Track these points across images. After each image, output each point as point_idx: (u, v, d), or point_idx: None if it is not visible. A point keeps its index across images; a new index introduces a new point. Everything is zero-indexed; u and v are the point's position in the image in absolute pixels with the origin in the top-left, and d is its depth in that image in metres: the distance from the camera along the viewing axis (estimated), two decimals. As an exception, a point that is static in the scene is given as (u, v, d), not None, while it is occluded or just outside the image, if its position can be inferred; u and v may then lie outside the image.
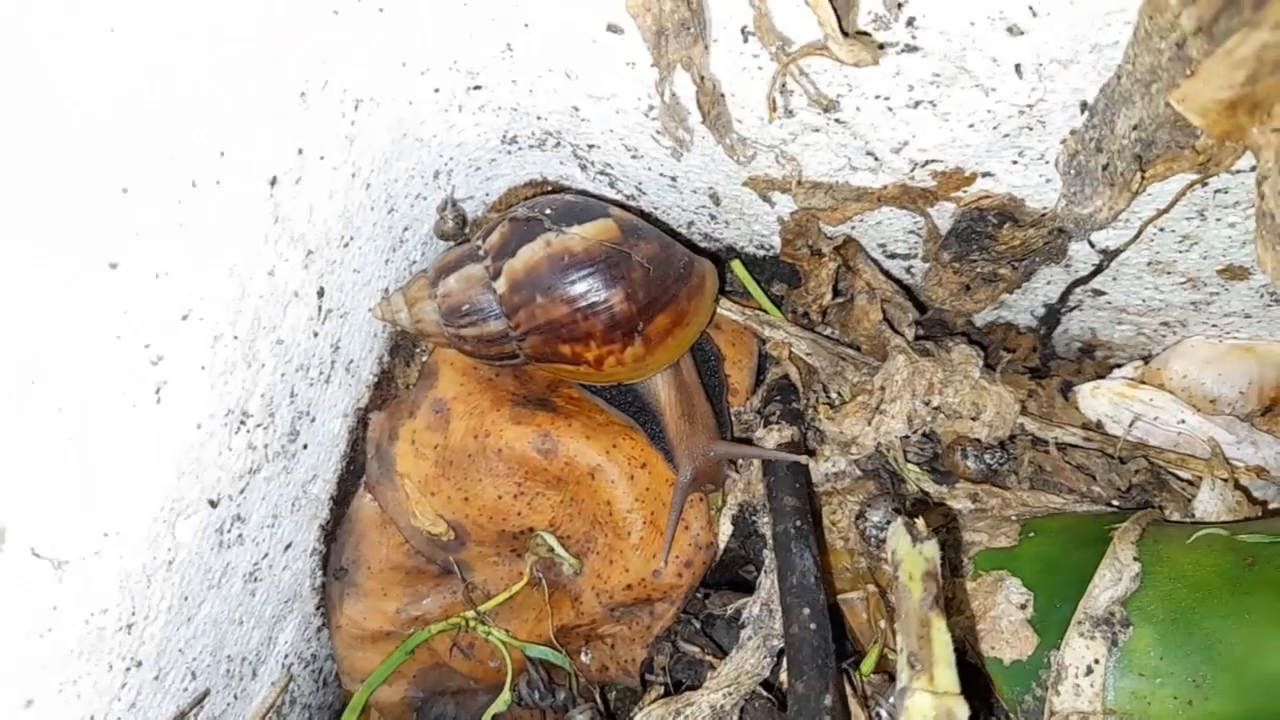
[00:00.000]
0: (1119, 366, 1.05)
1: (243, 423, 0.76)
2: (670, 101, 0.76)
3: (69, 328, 0.57)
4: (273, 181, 0.71)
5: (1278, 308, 0.91)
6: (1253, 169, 0.74)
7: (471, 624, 0.97)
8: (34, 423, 0.57)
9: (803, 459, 0.87)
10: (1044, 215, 0.78)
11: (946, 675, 0.56)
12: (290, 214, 0.74)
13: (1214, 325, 0.96)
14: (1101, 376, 1.03)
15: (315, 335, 0.84)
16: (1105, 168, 0.67)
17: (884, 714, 0.81)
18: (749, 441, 0.94)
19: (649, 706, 0.77)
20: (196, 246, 0.65)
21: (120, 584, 0.67)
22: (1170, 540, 0.81)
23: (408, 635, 1.00)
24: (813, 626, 0.72)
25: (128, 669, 0.71)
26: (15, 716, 0.61)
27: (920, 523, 0.64)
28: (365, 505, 1.00)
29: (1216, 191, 0.78)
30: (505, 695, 0.95)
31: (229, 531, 0.79)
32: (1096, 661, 0.76)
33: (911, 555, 0.62)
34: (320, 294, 0.82)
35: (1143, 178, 0.66)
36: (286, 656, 0.97)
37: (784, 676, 0.80)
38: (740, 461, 0.94)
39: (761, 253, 1.06)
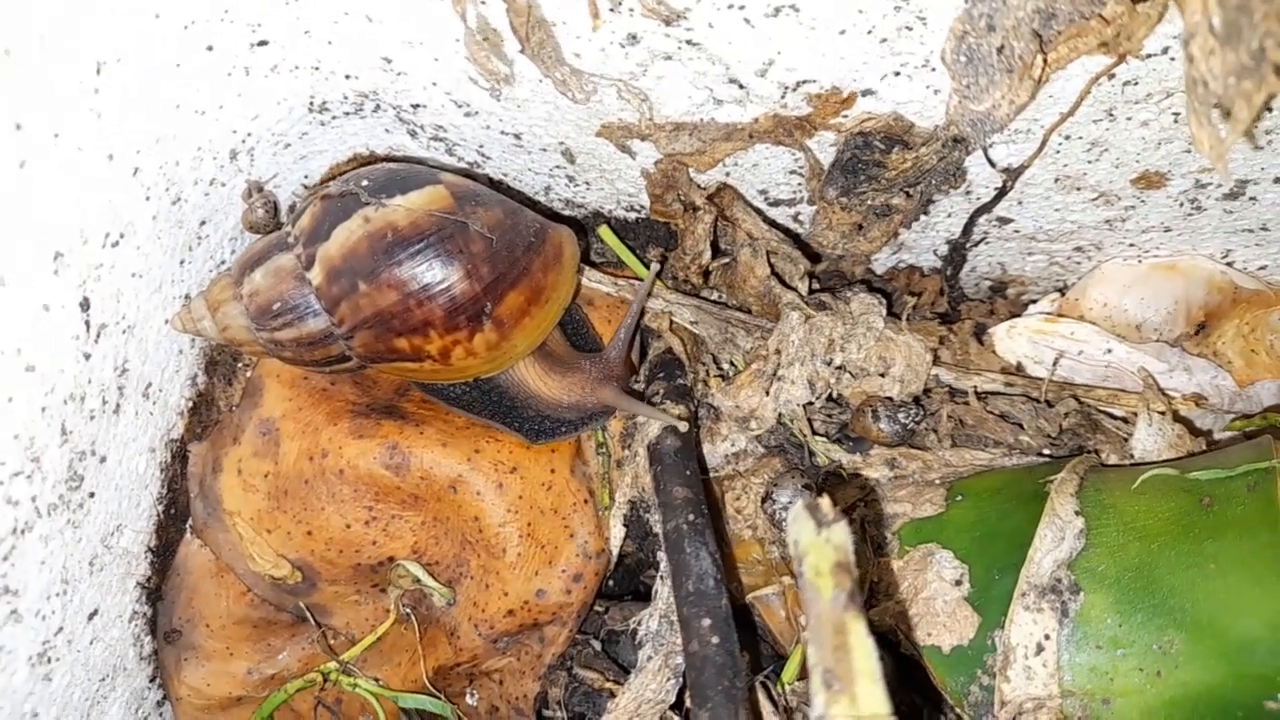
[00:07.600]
0: (1034, 302, 0.95)
1: (-11, 474, 0.61)
2: (477, 25, 0.63)
3: None
4: (-21, 165, 0.56)
5: (1199, 216, 0.81)
6: (1165, 50, 0.64)
7: (334, 676, 0.83)
8: None
9: (681, 425, 0.75)
10: (936, 131, 0.67)
11: (872, 693, 0.44)
12: (16, 207, 0.59)
13: (1131, 245, 0.87)
14: (1016, 315, 0.93)
15: (86, 357, 0.68)
16: (1001, 50, 0.56)
17: (813, 727, 0.70)
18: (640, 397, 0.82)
19: (535, 758, 0.64)
20: None
21: None
22: (1113, 487, 0.71)
23: (263, 699, 0.85)
24: (715, 640, 0.60)
25: None
26: None
27: (825, 502, 0.52)
28: (194, 553, 0.84)
29: (1126, 84, 0.67)
30: (381, 755, 0.81)
31: (-8, 610, 0.64)
32: (1047, 637, 0.66)
33: (817, 545, 0.50)
34: (85, 306, 0.67)
35: (1045, 61, 0.55)
36: (115, 744, 0.82)
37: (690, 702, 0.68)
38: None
39: (632, 215, 0.93)
